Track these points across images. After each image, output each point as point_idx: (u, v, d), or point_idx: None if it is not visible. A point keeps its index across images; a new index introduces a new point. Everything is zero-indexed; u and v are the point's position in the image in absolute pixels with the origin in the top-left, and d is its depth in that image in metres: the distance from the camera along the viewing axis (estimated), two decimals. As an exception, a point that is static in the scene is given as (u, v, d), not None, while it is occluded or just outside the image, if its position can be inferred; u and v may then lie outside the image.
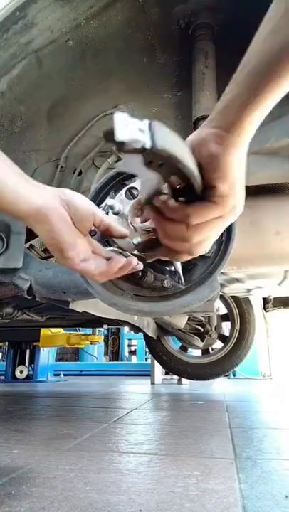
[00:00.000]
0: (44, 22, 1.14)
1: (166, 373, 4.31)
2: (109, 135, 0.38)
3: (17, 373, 4.56)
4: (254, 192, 1.38)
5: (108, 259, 0.67)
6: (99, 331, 5.23)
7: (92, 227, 0.86)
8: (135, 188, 0.81)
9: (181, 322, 2.57)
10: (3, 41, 1.13)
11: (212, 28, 1.29)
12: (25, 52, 1.20)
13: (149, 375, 4.36)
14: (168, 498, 0.87)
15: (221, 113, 0.53)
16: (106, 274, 0.66)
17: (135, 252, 0.76)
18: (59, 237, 0.60)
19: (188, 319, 2.91)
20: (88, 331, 5.08)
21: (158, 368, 4.14)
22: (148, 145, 0.39)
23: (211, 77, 1.27)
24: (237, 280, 2.01)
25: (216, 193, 0.53)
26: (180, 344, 3.41)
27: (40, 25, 1.14)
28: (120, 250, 0.71)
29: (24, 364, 4.61)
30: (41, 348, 4.58)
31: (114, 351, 7.95)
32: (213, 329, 3.13)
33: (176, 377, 4.09)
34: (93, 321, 3.35)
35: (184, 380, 3.96)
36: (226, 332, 3.48)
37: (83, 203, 0.63)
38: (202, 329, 3.11)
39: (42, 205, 0.58)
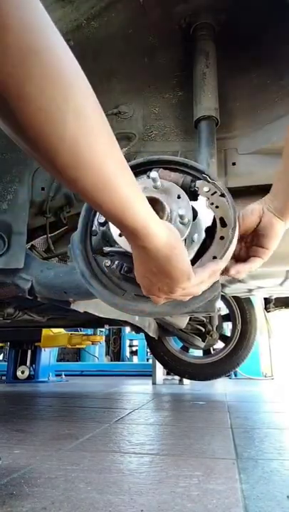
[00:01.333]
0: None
1: (168, 373, 4.30)
2: None
3: (18, 373, 4.56)
4: (255, 192, 1.38)
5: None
6: (100, 331, 5.23)
7: (94, 227, 0.86)
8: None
9: (183, 322, 2.56)
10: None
11: (213, 28, 1.29)
12: (26, 52, 1.20)
13: (150, 376, 4.36)
14: (169, 498, 0.87)
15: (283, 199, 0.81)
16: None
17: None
18: (187, 261, 0.64)
19: (190, 319, 2.90)
20: (89, 331, 5.08)
21: (159, 368, 4.14)
22: None
23: (212, 77, 1.26)
24: (238, 280, 2.01)
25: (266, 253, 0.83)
26: (181, 344, 3.40)
27: (41, 25, 1.14)
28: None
29: (25, 364, 4.61)
30: (42, 349, 4.58)
31: (115, 351, 7.95)
32: (215, 329, 3.12)
33: (177, 377, 4.09)
34: (94, 322, 3.34)
35: (185, 381, 3.96)
36: (228, 332, 3.48)
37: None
38: (203, 329, 3.11)
39: (170, 234, 0.61)
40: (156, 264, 0.62)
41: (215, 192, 0.80)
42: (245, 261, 0.84)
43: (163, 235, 0.59)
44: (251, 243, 0.84)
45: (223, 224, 0.78)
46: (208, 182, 0.81)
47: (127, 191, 0.51)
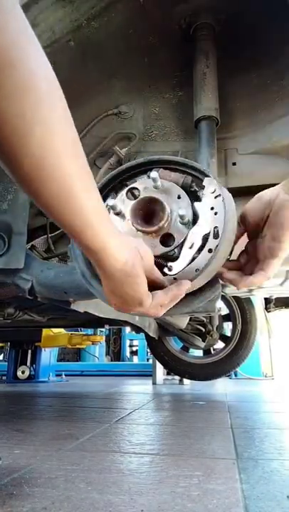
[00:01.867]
0: (45, 22, 1.14)
1: (168, 373, 4.31)
2: None
3: (19, 373, 4.56)
4: (256, 192, 1.38)
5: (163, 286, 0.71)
6: (100, 331, 5.23)
7: None
8: (136, 189, 0.81)
9: (183, 322, 2.57)
10: (5, 42, 1.13)
11: (213, 28, 1.29)
12: (27, 53, 1.20)
13: (150, 376, 4.36)
14: (170, 498, 0.87)
15: None
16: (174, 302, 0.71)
17: None
18: (141, 288, 0.63)
19: (190, 319, 2.90)
20: (90, 331, 5.08)
21: (159, 369, 4.14)
22: None
23: (212, 77, 1.26)
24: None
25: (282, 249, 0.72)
26: (181, 344, 3.40)
27: (41, 25, 1.14)
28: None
29: (26, 364, 4.61)
30: (43, 349, 4.58)
31: (115, 351, 7.96)
32: (215, 329, 3.13)
33: (177, 377, 4.09)
34: (95, 322, 3.34)
35: (186, 381, 3.96)
36: (228, 332, 3.48)
37: (150, 257, 0.67)
38: (204, 329, 3.11)
39: (128, 259, 0.59)
40: (112, 284, 0.62)
41: (219, 195, 0.75)
42: (263, 260, 0.75)
43: (120, 259, 0.58)
44: (269, 239, 0.74)
45: (216, 235, 0.72)
46: (216, 182, 0.76)
47: (89, 211, 0.50)
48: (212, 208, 0.74)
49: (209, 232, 0.73)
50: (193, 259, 0.73)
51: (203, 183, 0.77)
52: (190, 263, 0.73)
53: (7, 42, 0.36)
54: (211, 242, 0.72)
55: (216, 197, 0.75)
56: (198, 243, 0.74)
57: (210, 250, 0.72)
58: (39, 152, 0.42)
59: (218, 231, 0.72)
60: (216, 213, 0.73)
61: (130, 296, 0.63)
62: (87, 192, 0.49)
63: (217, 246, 0.71)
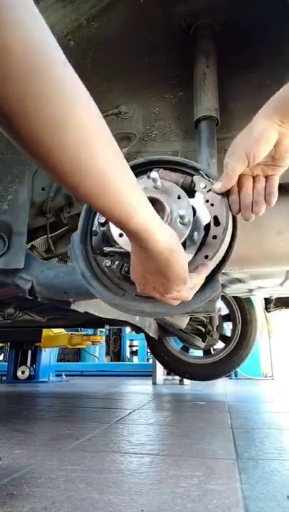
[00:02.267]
0: (45, 22, 1.14)
1: (168, 374, 4.30)
2: None
3: (19, 374, 4.56)
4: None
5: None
6: (100, 331, 5.23)
7: (94, 228, 0.86)
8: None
9: (183, 322, 2.57)
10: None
11: (213, 28, 1.29)
12: (27, 53, 1.20)
13: (150, 376, 4.36)
14: (170, 498, 0.87)
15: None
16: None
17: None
18: (185, 264, 0.65)
19: (190, 320, 2.90)
20: (90, 331, 5.08)
21: (159, 369, 4.14)
22: None
23: (212, 77, 1.26)
24: (239, 280, 2.01)
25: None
26: (181, 344, 3.40)
27: (41, 26, 1.14)
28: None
29: (26, 364, 4.61)
30: (43, 349, 4.58)
31: (115, 351, 7.95)
32: (215, 329, 3.12)
33: (177, 377, 4.09)
34: (95, 322, 3.34)
35: (186, 381, 3.96)
36: (228, 332, 3.47)
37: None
38: (204, 329, 3.10)
39: (172, 236, 0.62)
40: (155, 266, 0.63)
41: (210, 189, 0.80)
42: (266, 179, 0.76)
43: (164, 239, 0.59)
44: (266, 163, 0.75)
45: (217, 222, 0.78)
46: (204, 178, 0.81)
47: (129, 196, 0.51)
48: (207, 201, 0.79)
49: (210, 222, 0.78)
50: (199, 247, 0.77)
51: (194, 181, 0.81)
52: (198, 251, 0.77)
53: (33, 48, 0.38)
54: (214, 230, 0.77)
55: (208, 191, 0.80)
56: (201, 233, 0.77)
57: (214, 237, 0.77)
58: (75, 149, 0.43)
59: (218, 219, 0.78)
60: (212, 205, 0.79)
61: (176, 274, 0.64)
62: (123, 175, 0.50)
63: (224, 230, 0.76)
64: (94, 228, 0.85)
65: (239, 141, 0.74)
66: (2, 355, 7.09)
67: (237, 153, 0.73)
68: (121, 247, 0.78)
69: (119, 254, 0.80)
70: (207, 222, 0.78)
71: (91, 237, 0.85)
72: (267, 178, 0.77)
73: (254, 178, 0.77)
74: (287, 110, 0.69)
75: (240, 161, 0.72)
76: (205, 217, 0.78)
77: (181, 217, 0.75)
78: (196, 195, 0.81)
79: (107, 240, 0.82)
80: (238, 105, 1.43)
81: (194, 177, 0.81)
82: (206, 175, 0.82)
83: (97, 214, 0.85)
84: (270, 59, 1.34)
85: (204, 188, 0.81)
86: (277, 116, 0.70)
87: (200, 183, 0.81)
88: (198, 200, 0.80)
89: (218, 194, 0.78)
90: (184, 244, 0.77)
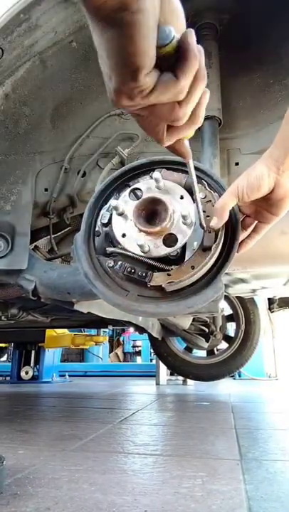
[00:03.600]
0: (48, 24, 1.15)
1: (171, 374, 4.30)
2: None
3: (22, 374, 4.57)
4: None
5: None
6: (104, 331, 5.23)
7: (97, 228, 0.86)
8: (139, 189, 0.81)
9: (186, 323, 2.57)
10: (8, 43, 1.14)
11: (216, 28, 1.29)
12: (30, 54, 1.21)
13: (154, 376, 4.36)
14: (173, 498, 0.87)
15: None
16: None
17: (147, 261, 0.78)
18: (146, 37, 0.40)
19: (193, 320, 2.90)
20: (93, 331, 5.08)
21: (163, 369, 4.14)
22: None
23: (215, 77, 1.26)
24: (242, 280, 2.01)
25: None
26: (185, 345, 3.40)
27: (44, 27, 1.15)
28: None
29: (29, 365, 4.62)
30: (46, 349, 4.59)
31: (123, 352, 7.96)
32: (218, 330, 3.12)
33: (181, 378, 4.09)
34: (98, 322, 3.35)
35: (189, 381, 3.95)
36: (231, 333, 3.47)
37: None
38: (207, 330, 3.10)
39: None
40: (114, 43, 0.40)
41: (210, 201, 0.80)
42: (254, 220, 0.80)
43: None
44: (261, 206, 0.77)
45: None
46: (206, 189, 0.81)
47: None
48: (204, 212, 0.79)
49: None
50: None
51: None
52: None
53: None
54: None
55: (207, 202, 0.80)
56: (199, 243, 0.77)
57: (204, 249, 0.77)
58: None
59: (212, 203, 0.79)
60: (208, 216, 0.78)
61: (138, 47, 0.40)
62: None
63: (215, 246, 0.76)
64: (97, 229, 0.85)
65: (240, 178, 0.75)
66: (6, 355, 7.11)
67: (231, 187, 0.75)
68: (124, 248, 0.78)
69: (121, 254, 0.80)
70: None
71: (94, 237, 0.85)
72: (257, 224, 0.81)
73: (246, 217, 0.81)
74: (283, 160, 0.70)
75: (233, 196, 0.74)
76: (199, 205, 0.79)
77: (184, 217, 0.75)
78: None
79: (110, 240, 0.82)
80: (240, 105, 1.43)
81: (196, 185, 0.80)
82: (208, 185, 0.82)
83: (100, 215, 0.85)
84: (273, 59, 1.34)
85: (204, 198, 0.80)
86: (274, 163, 0.71)
87: (200, 193, 0.80)
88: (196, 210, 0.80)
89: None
90: (184, 246, 0.77)
